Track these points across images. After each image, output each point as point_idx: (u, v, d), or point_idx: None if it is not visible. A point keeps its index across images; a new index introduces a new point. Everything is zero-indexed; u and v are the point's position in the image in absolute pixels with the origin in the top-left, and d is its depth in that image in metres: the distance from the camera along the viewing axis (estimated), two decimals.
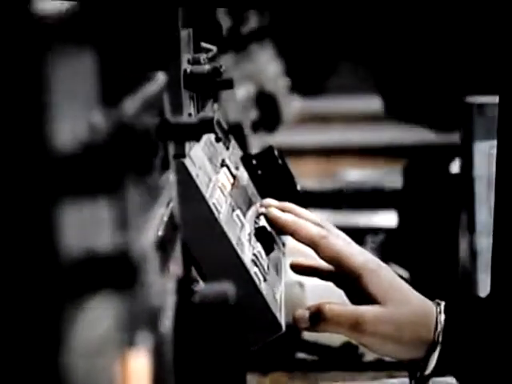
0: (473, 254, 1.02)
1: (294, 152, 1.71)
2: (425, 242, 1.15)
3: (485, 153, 1.00)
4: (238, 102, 1.27)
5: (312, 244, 0.86)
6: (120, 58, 0.52)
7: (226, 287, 0.63)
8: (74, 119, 0.41)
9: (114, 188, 0.46)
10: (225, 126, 0.97)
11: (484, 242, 0.99)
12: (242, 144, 1.15)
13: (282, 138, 1.52)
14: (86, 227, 0.42)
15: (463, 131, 1.03)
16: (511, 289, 0.74)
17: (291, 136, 1.75)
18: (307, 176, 1.55)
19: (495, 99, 0.99)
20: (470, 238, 1.02)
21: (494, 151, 0.98)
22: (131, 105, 0.52)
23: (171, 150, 0.68)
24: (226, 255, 0.78)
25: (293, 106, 1.58)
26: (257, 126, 1.35)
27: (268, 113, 1.40)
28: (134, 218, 0.51)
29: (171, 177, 0.67)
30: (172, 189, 0.67)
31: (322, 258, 0.86)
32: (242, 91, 1.32)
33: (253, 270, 0.80)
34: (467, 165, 1.02)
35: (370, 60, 1.40)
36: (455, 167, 1.12)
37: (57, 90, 0.39)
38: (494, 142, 0.98)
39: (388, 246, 1.24)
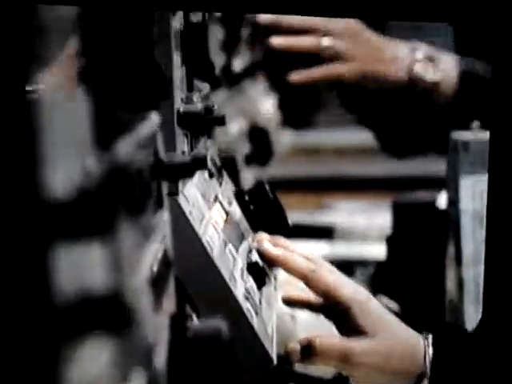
0: (460, 284, 1.04)
1: (286, 184, 1.73)
2: (413, 273, 1.17)
3: (470, 187, 1.02)
4: (231, 136, 1.29)
5: (303, 277, 0.88)
6: (113, 99, 0.54)
7: (219, 323, 0.64)
8: (67, 163, 0.42)
9: (107, 229, 0.47)
10: (218, 161, 1.00)
11: (470, 273, 1.02)
12: (235, 178, 1.16)
13: (274, 170, 1.54)
14: (79, 269, 0.43)
15: (449, 167, 1.06)
16: (501, 322, 0.75)
17: (283, 169, 1.78)
18: (298, 208, 1.56)
19: (479, 136, 1.03)
20: (457, 269, 1.04)
21: (479, 186, 1.01)
22: (124, 146, 0.54)
23: (165, 188, 0.70)
24: (219, 291, 0.80)
25: (284, 139, 1.61)
26: (249, 160, 1.37)
27: (260, 147, 1.42)
28: (128, 258, 0.52)
29: (165, 215, 0.69)
30: (165, 226, 0.69)
31: (313, 290, 0.88)
32: (235, 126, 1.34)
33: (245, 305, 0.82)
34: (453, 199, 1.05)
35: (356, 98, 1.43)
36: (442, 201, 1.14)
37: (49, 135, 0.40)
38: (479, 177, 1.01)
39: (377, 278, 1.26)
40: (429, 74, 1.31)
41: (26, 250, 0.38)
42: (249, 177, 1.29)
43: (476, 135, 1.03)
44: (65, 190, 0.41)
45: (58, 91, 0.43)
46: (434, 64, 1.32)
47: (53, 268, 0.39)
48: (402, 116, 1.42)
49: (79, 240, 0.43)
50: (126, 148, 0.54)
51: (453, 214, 1.05)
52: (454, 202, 1.04)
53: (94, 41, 0.48)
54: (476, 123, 1.11)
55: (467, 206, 1.02)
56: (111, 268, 0.48)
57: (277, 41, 1.29)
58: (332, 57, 1.31)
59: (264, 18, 1.29)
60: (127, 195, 0.53)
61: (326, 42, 1.31)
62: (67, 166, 0.42)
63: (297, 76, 1.33)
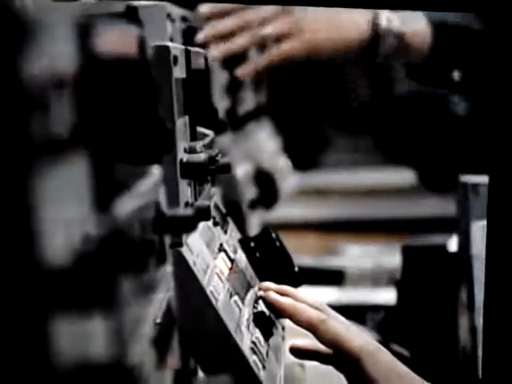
0: (472, 331, 1.02)
1: (293, 227, 1.72)
2: (424, 319, 1.15)
3: (481, 232, 1.00)
4: (236, 181, 1.28)
5: (311, 328, 0.86)
6: (112, 154, 0.53)
7: (225, 381, 0.63)
8: (64, 225, 0.41)
9: (107, 292, 0.47)
10: (223, 209, 0.98)
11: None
12: (241, 224, 1.15)
13: (281, 213, 1.52)
14: (80, 335, 0.42)
15: (459, 210, 1.04)
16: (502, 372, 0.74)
17: (289, 211, 1.76)
18: (306, 251, 1.55)
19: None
20: (470, 315, 1.02)
21: None
22: (124, 204, 0.53)
23: (167, 241, 0.69)
24: (225, 344, 0.78)
25: (291, 181, 1.59)
26: (255, 204, 1.35)
27: (266, 190, 1.41)
28: (130, 316, 0.51)
29: (168, 268, 0.67)
30: (169, 279, 0.67)
31: (321, 341, 0.86)
32: (241, 170, 1.33)
33: (251, 358, 0.80)
34: (464, 243, 1.03)
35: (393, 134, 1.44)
36: (453, 244, 1.12)
37: (47, 195, 0.39)
38: None
39: (388, 324, 1.24)
40: (394, 22, 1.29)
41: (24, 319, 0.37)
42: (255, 222, 1.27)
43: (486, 178, 1.01)
44: (62, 254, 0.40)
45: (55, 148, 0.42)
46: (399, 16, 1.29)
47: (52, 336, 0.38)
48: (435, 142, 1.42)
49: (79, 305, 0.42)
50: (125, 206, 0.53)
51: (464, 258, 1.03)
52: (465, 246, 1.03)
53: (91, 93, 0.47)
54: (456, 73, 1.10)
55: (479, 250, 1.00)
56: (113, 330, 0.47)
57: (214, 52, 1.27)
58: (277, 41, 1.27)
59: (199, 36, 1.25)
60: (128, 254, 0.52)
61: (265, 29, 1.27)
62: (65, 228, 0.41)
63: (242, 70, 1.29)
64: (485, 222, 0.99)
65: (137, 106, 0.61)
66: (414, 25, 1.30)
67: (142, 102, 0.63)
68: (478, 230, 1.00)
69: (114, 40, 0.58)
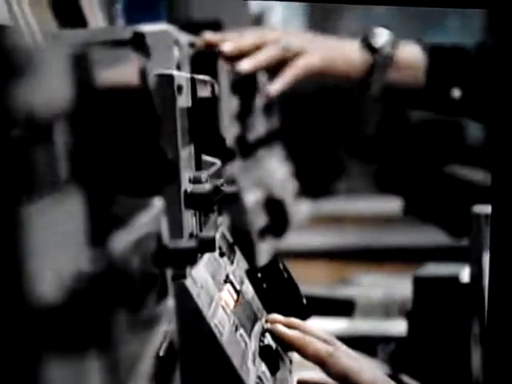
0: None
1: (304, 255, 1.70)
2: (436, 351, 1.13)
3: None
4: (246, 209, 1.26)
5: (319, 361, 0.85)
6: (112, 186, 0.52)
7: None
8: (60, 261, 0.40)
9: (106, 326, 0.45)
10: (230, 238, 0.97)
11: None
12: (250, 253, 1.14)
13: (292, 240, 1.51)
14: (76, 376, 0.41)
15: (472, 241, 1.02)
16: None
17: (301, 239, 1.75)
18: (317, 280, 1.53)
19: None
20: (482, 347, 1.00)
21: None
22: (124, 237, 0.52)
23: (169, 273, 0.67)
24: (229, 380, 0.77)
25: (302, 209, 1.58)
26: (265, 232, 1.34)
27: (276, 218, 1.39)
28: (129, 354, 0.50)
29: (170, 301, 0.66)
30: (171, 313, 0.66)
31: (329, 375, 0.85)
32: (251, 197, 1.32)
33: None
34: (477, 274, 1.01)
35: (383, 161, 1.44)
36: (465, 275, 1.10)
37: (41, 230, 0.38)
38: None
39: (399, 356, 1.22)
40: (386, 48, 1.37)
41: (17, 360, 0.36)
42: (265, 250, 1.26)
43: None
44: (56, 292, 0.39)
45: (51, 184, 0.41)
46: (394, 41, 1.39)
47: (46, 378, 0.37)
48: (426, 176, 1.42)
49: (75, 344, 0.40)
50: (124, 238, 0.52)
51: (476, 290, 1.01)
52: (477, 277, 1.01)
53: (90, 124, 0.46)
54: (456, 92, 1.11)
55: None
56: (111, 368, 0.46)
57: (243, 66, 1.30)
58: (295, 54, 1.35)
59: (224, 49, 1.29)
60: (126, 288, 0.51)
61: (284, 42, 1.35)
62: (59, 264, 0.40)
63: (273, 87, 1.35)
64: None
65: (137, 136, 0.60)
66: (407, 51, 1.36)
67: (143, 132, 0.62)
68: None
69: (115, 69, 0.57)
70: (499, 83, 0.69)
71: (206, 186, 0.79)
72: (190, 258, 0.66)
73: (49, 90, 0.42)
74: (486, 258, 0.99)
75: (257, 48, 1.31)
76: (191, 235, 0.79)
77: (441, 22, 2.80)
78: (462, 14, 2.68)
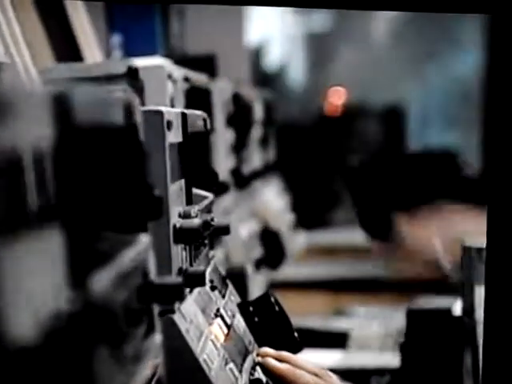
0: None
1: (300, 286, 1.70)
2: (429, 383, 1.13)
3: None
4: (241, 241, 1.27)
5: None
6: (97, 221, 0.52)
7: None
8: (40, 298, 0.41)
9: (89, 364, 0.45)
10: (222, 272, 0.97)
11: None
12: (243, 286, 1.14)
13: (288, 271, 1.51)
14: None
15: (464, 275, 1.02)
16: None
17: (297, 270, 1.75)
18: (313, 310, 1.53)
19: None
20: (474, 381, 1.00)
21: None
22: (107, 274, 0.52)
23: (156, 308, 0.67)
24: None
25: (298, 240, 1.58)
26: (261, 264, 1.34)
27: (272, 249, 1.39)
28: None
29: (157, 338, 0.66)
30: (157, 349, 0.66)
31: None
32: (246, 229, 1.32)
33: None
34: (468, 308, 1.01)
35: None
36: (457, 309, 1.10)
37: (22, 269, 0.38)
38: None
39: None
40: None
41: None
42: (260, 282, 1.26)
43: None
44: (34, 330, 0.39)
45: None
46: None
47: None
48: None
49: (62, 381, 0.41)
50: (108, 275, 0.52)
51: (468, 323, 1.01)
52: (469, 311, 1.01)
53: (76, 158, 0.47)
54: None
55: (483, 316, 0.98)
56: None
57: None
58: None
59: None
60: (111, 324, 0.51)
61: None
62: (44, 303, 0.40)
63: None
64: None
65: (124, 173, 0.60)
66: None
67: (130, 168, 0.62)
68: (482, 294, 0.98)
69: (101, 105, 0.57)
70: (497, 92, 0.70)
71: (195, 221, 0.79)
72: (177, 293, 0.66)
73: (35, 128, 0.43)
74: (478, 292, 0.99)
75: None
76: (180, 270, 0.79)
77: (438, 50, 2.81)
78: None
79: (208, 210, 0.89)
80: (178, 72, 1.08)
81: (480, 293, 0.99)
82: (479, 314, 0.99)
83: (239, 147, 1.34)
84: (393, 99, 2.74)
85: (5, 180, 0.39)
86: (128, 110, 0.63)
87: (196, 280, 0.79)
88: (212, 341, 0.82)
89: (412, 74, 2.87)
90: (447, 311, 1.11)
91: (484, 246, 0.99)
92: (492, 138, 0.72)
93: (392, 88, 2.78)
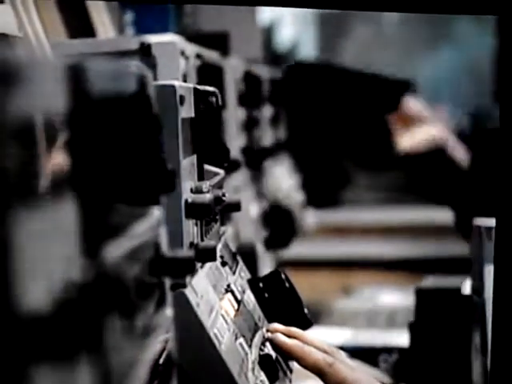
0: (486, 375, 1.00)
1: (309, 264, 1.71)
2: (437, 362, 1.13)
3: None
4: (251, 219, 1.27)
5: (318, 371, 0.85)
6: (110, 194, 0.52)
7: None
8: (55, 268, 0.41)
9: (100, 335, 0.46)
10: (232, 248, 0.98)
11: None
12: (253, 264, 1.14)
13: (298, 250, 1.51)
14: (72, 380, 0.41)
15: (473, 254, 1.03)
16: None
17: (307, 248, 1.75)
18: (322, 289, 1.53)
19: None
20: (483, 359, 1.01)
21: None
22: (120, 245, 0.52)
23: (168, 282, 0.68)
24: None
25: (308, 219, 1.58)
26: (270, 241, 1.34)
27: (282, 228, 1.40)
28: (124, 363, 0.51)
29: (168, 312, 0.66)
30: (169, 323, 0.66)
31: None
32: (256, 208, 1.32)
33: None
34: (478, 286, 1.01)
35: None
36: (467, 287, 1.11)
37: (36, 238, 0.38)
38: None
39: (401, 366, 1.22)
40: None
41: (12, 370, 0.36)
42: (270, 260, 1.26)
43: None
44: (50, 300, 0.39)
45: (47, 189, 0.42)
46: None
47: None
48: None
49: (69, 352, 0.41)
50: (120, 247, 0.52)
51: (477, 302, 1.01)
52: (478, 289, 1.01)
53: (88, 133, 0.47)
54: None
55: (492, 294, 0.98)
56: (105, 377, 0.46)
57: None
58: None
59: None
60: (120, 297, 0.51)
61: None
62: (56, 273, 0.41)
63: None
64: None
65: (137, 146, 0.60)
66: None
67: (143, 142, 0.62)
68: (492, 273, 0.99)
69: (116, 79, 0.57)
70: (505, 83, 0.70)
71: (207, 196, 0.80)
72: (189, 267, 0.67)
73: (49, 99, 0.43)
74: (487, 270, 1.00)
75: None
76: (191, 244, 0.80)
77: (453, 31, 2.80)
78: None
79: (219, 186, 0.90)
80: (191, 49, 1.08)
81: (489, 271, 0.99)
82: (488, 291, 0.99)
83: (250, 125, 1.34)
84: (403, 77, 2.73)
85: (19, 150, 0.38)
86: (142, 84, 0.63)
87: (207, 255, 0.80)
88: (222, 316, 0.83)
89: (424, 53, 2.86)
90: (457, 290, 1.12)
91: (493, 225, 1.00)
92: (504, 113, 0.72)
93: (403, 67, 2.78)
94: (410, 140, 1.49)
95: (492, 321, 0.71)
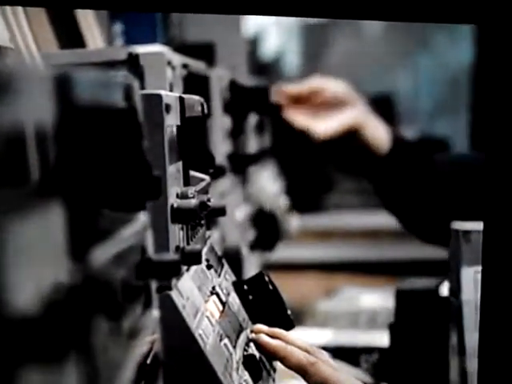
0: (463, 376, 1.03)
1: (293, 268, 1.74)
2: (416, 362, 1.16)
3: (472, 278, 1.02)
4: (236, 223, 1.30)
5: (301, 371, 0.88)
6: (95, 199, 0.54)
7: None
8: (40, 272, 0.42)
9: (86, 338, 0.47)
10: (218, 251, 1.00)
11: (474, 365, 1.00)
12: (238, 267, 1.17)
13: (282, 253, 1.54)
14: (57, 381, 0.43)
15: (451, 256, 1.05)
16: None
17: (290, 252, 1.78)
18: (305, 292, 1.56)
19: (480, 226, 1.02)
20: (460, 360, 1.03)
21: (479, 276, 1.01)
22: (105, 250, 0.53)
23: (154, 285, 0.70)
24: None
25: (292, 223, 1.61)
26: (255, 246, 1.37)
27: (267, 232, 1.43)
28: (110, 366, 0.52)
29: (154, 313, 0.68)
30: (155, 325, 0.68)
31: None
32: (241, 212, 1.35)
33: None
34: (455, 289, 1.04)
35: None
36: (444, 290, 1.14)
37: (21, 244, 0.40)
38: (480, 268, 1.00)
39: (381, 366, 1.25)
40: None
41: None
42: (254, 263, 1.29)
43: (478, 225, 1.03)
44: (34, 304, 0.40)
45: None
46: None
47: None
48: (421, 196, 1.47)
49: (54, 356, 0.42)
50: (108, 252, 0.54)
51: (455, 304, 1.04)
52: (455, 291, 1.04)
53: (74, 141, 0.48)
54: None
55: (469, 296, 1.02)
56: (92, 380, 0.47)
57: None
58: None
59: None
60: (107, 301, 0.52)
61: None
62: (41, 277, 0.42)
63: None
64: (475, 268, 1.01)
65: (123, 153, 0.62)
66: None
67: (129, 149, 0.64)
68: (469, 275, 1.02)
69: (101, 89, 0.59)
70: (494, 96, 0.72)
71: (192, 201, 0.82)
72: (174, 270, 0.68)
73: (37, 109, 0.44)
74: (464, 273, 1.03)
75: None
76: (177, 248, 0.82)
77: (431, 40, 2.83)
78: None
79: (205, 191, 0.92)
80: (177, 59, 1.11)
81: (466, 274, 1.02)
82: (465, 294, 1.02)
83: (236, 133, 1.37)
84: (384, 88, 2.77)
85: (8, 157, 0.40)
86: (128, 93, 0.65)
87: (192, 258, 0.82)
88: (207, 317, 0.85)
89: (404, 64, 2.89)
90: (435, 291, 1.15)
91: (470, 228, 1.03)
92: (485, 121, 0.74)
93: (384, 77, 2.81)
94: (325, 125, 1.50)
95: (480, 323, 0.73)
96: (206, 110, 0.96)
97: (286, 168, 1.67)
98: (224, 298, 0.93)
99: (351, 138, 1.51)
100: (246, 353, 0.90)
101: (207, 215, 0.92)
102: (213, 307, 0.89)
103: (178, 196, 0.83)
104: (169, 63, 1.06)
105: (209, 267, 0.93)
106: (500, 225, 0.74)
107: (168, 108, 0.81)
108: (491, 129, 0.73)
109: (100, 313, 0.49)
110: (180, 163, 0.86)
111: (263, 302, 0.98)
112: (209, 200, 0.86)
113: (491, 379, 0.73)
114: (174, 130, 0.84)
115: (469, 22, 0.79)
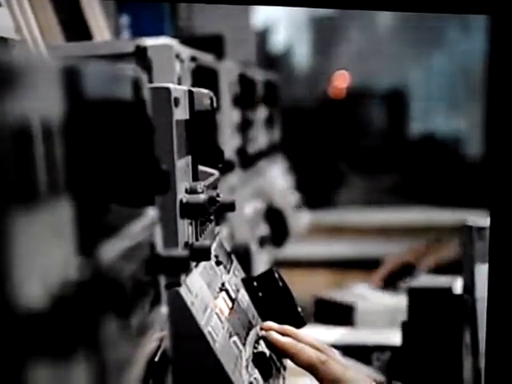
0: (477, 373, 1.01)
1: (304, 264, 1.72)
2: (429, 361, 1.14)
3: (485, 275, 1.00)
4: (245, 219, 1.28)
5: (311, 368, 0.87)
6: (105, 195, 0.53)
7: None
8: (49, 268, 0.42)
9: (95, 333, 0.46)
10: (227, 247, 0.99)
11: None
12: (247, 263, 1.15)
13: (292, 250, 1.53)
14: (68, 376, 0.42)
15: (464, 253, 1.04)
16: None
17: (301, 248, 1.77)
18: (316, 288, 1.55)
19: None
20: (474, 358, 1.02)
21: None
22: (114, 245, 0.53)
23: (163, 281, 0.69)
24: None
25: (302, 219, 1.60)
26: (265, 242, 1.36)
27: (276, 228, 1.41)
28: (119, 361, 0.51)
29: (163, 309, 0.67)
30: (163, 320, 0.67)
31: (321, 382, 0.86)
32: (251, 208, 1.34)
33: None
34: (469, 286, 1.02)
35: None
36: (458, 287, 1.12)
37: (31, 239, 0.39)
38: None
39: (393, 364, 1.23)
40: None
41: (8, 367, 0.37)
42: (264, 260, 1.27)
43: None
44: (45, 299, 0.40)
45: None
46: None
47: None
48: None
49: (63, 351, 0.41)
50: (118, 247, 0.53)
51: (468, 301, 1.02)
52: (469, 289, 1.02)
53: (83, 136, 0.48)
54: None
55: (483, 293, 1.00)
56: (100, 375, 0.46)
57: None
58: None
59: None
60: (118, 295, 0.52)
61: None
62: (52, 272, 0.41)
63: None
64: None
65: (131, 147, 0.61)
66: None
67: (137, 143, 0.63)
68: (483, 273, 1.00)
69: (110, 82, 0.58)
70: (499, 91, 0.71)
71: (201, 196, 0.81)
72: (183, 266, 0.67)
73: (45, 102, 0.44)
74: (478, 270, 1.01)
75: None
76: (186, 244, 0.81)
77: (444, 38, 2.81)
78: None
79: (214, 186, 0.91)
80: (186, 52, 1.10)
81: (480, 271, 1.01)
82: (479, 291, 1.01)
83: (245, 127, 1.35)
84: (396, 83, 2.75)
85: (16, 151, 0.39)
86: (136, 87, 0.64)
87: (201, 254, 0.81)
88: (217, 314, 0.84)
89: (416, 58, 2.87)
90: (448, 289, 1.13)
91: (484, 225, 1.01)
92: (495, 121, 0.73)
93: (395, 72, 2.79)
94: None
95: (486, 319, 0.72)
96: (215, 104, 0.95)
97: (296, 163, 1.66)
98: (233, 295, 0.91)
99: None
100: (255, 350, 0.88)
101: (216, 210, 0.90)
102: (222, 304, 0.87)
103: (186, 191, 0.82)
104: (177, 56, 1.05)
105: (218, 263, 0.92)
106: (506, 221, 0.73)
107: (176, 102, 0.79)
108: (504, 124, 0.72)
109: (109, 309, 0.49)
110: (189, 158, 0.85)
111: (273, 299, 0.96)
112: (218, 195, 0.85)
113: (498, 374, 0.72)
114: (183, 124, 0.83)
115: (482, 12, 0.78)
